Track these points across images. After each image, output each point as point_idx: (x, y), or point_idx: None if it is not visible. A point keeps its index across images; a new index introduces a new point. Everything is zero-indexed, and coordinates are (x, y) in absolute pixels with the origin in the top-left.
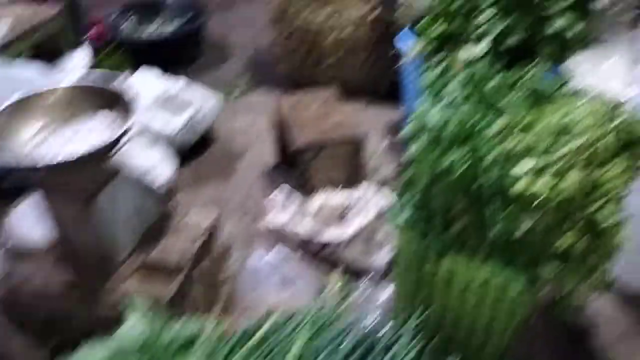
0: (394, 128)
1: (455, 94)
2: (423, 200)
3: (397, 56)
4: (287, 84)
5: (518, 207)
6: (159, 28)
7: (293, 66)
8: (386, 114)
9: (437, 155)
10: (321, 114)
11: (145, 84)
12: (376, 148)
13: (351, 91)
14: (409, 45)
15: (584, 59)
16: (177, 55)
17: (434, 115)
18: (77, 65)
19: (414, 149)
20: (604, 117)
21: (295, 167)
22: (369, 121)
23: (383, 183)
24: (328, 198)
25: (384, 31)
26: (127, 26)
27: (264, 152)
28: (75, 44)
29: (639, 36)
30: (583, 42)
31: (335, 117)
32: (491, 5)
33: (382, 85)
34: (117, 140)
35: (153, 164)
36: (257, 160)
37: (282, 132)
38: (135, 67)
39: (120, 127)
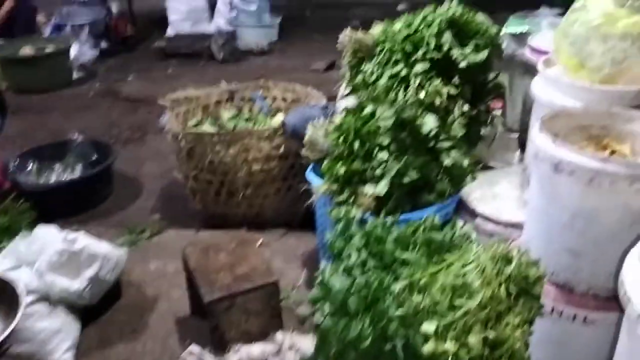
0: (311, 258)
1: (355, 257)
2: None
3: (309, 187)
4: (200, 220)
5: None
6: (62, 173)
7: (206, 201)
8: (303, 243)
9: (345, 324)
10: (233, 260)
11: (46, 241)
12: (294, 281)
13: (266, 222)
14: (316, 182)
15: (477, 186)
16: (84, 199)
17: (337, 281)
18: None
19: (320, 317)
20: (496, 267)
21: (209, 320)
22: (285, 252)
23: (303, 321)
24: (245, 352)
25: (294, 164)
26: (27, 174)
27: (178, 300)
28: None
29: (526, 161)
30: (474, 171)
31: (247, 261)
32: (386, 147)
33: (296, 215)
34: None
35: (53, 332)
36: (170, 310)
37: (193, 282)
38: (38, 217)
39: (4, 325)
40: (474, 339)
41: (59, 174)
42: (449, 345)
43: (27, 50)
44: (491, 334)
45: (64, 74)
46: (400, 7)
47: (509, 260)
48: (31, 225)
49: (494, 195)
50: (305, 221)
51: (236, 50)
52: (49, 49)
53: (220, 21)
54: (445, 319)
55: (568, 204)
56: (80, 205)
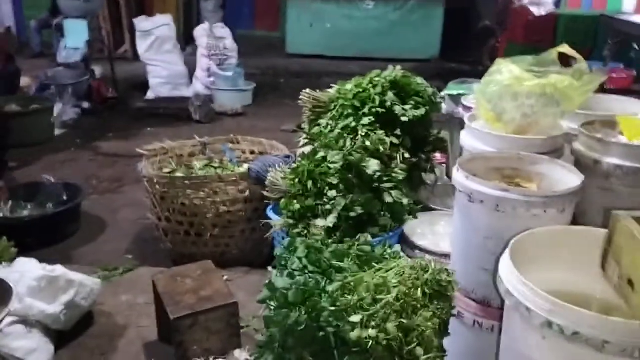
0: None
1: (297, 264)
2: (279, 356)
3: (270, 227)
4: (170, 259)
5: (356, 351)
6: (34, 211)
7: (176, 241)
8: (266, 280)
9: (285, 314)
10: (198, 285)
11: (25, 270)
12: (255, 311)
13: (231, 261)
14: (275, 218)
15: (419, 224)
16: (52, 234)
17: (281, 282)
18: None
19: (267, 311)
20: (415, 273)
21: (174, 337)
22: (248, 287)
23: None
24: None
25: (258, 208)
26: (1, 210)
27: (146, 328)
28: None
29: None
30: (413, 209)
31: (211, 286)
32: (335, 186)
33: (260, 255)
34: None
35: (29, 351)
36: (139, 336)
37: (161, 305)
38: (13, 249)
39: None
40: (390, 326)
41: (30, 212)
42: (371, 332)
43: (12, 107)
44: (405, 322)
45: (47, 131)
46: None
47: (426, 269)
48: (11, 260)
49: (433, 232)
50: (268, 262)
51: (212, 112)
52: (34, 106)
53: (199, 85)
54: (368, 311)
55: (480, 227)
56: (50, 240)
